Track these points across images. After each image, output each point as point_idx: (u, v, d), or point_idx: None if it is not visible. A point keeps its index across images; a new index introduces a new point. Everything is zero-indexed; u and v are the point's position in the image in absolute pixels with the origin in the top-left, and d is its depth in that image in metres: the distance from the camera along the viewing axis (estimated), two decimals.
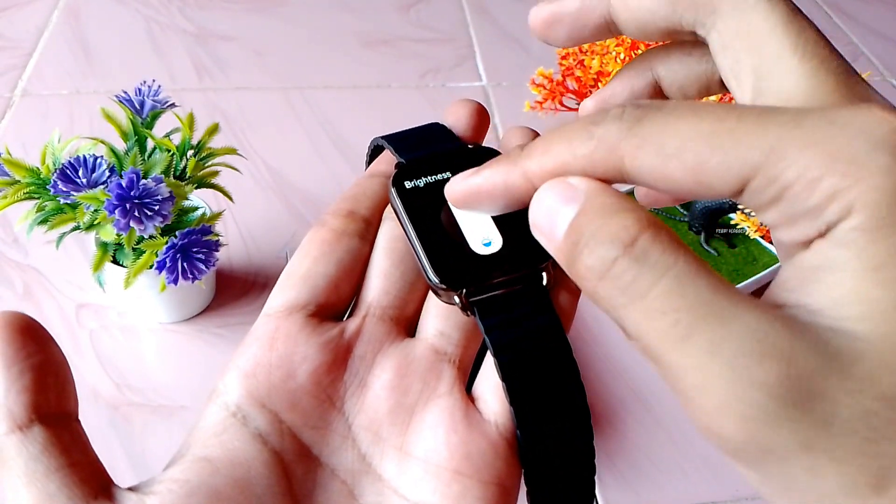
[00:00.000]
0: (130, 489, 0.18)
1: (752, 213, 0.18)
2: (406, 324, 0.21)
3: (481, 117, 0.24)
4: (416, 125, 0.24)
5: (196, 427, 0.20)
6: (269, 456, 0.19)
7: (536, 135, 0.22)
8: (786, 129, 0.14)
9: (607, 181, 0.16)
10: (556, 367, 0.20)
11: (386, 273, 0.21)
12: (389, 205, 0.22)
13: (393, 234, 0.21)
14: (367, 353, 0.20)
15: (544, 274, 0.20)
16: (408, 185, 0.21)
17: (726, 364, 0.14)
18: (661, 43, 0.22)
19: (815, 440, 0.13)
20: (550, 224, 0.16)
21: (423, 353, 0.20)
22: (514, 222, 0.21)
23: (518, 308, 0.20)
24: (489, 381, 0.20)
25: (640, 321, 0.15)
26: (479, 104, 0.24)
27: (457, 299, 0.20)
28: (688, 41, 0.21)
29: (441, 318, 0.21)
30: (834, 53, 0.18)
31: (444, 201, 0.20)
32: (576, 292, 0.21)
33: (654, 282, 0.14)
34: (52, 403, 0.18)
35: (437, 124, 0.24)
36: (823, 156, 0.14)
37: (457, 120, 0.23)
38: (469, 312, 0.20)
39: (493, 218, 0.21)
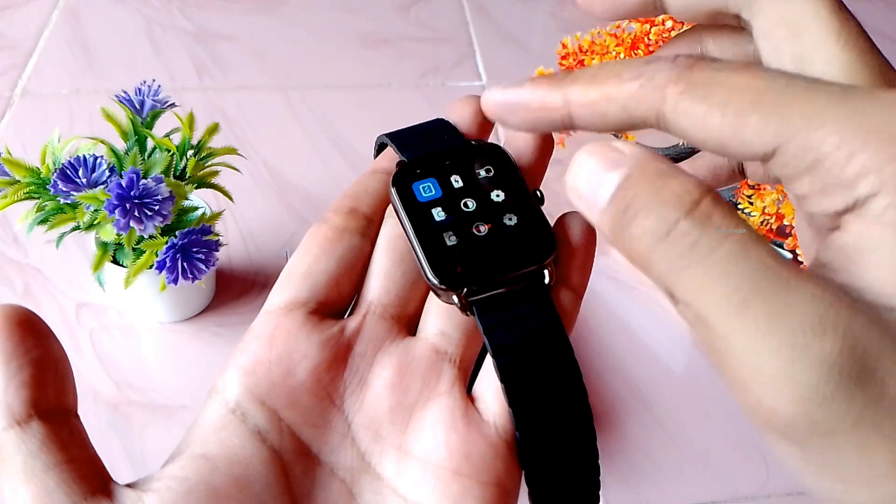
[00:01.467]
0: (129, 486, 0.18)
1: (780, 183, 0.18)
2: (407, 322, 0.21)
3: (484, 117, 0.23)
4: (421, 121, 0.24)
5: (195, 424, 0.19)
6: (268, 454, 0.19)
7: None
8: (831, 101, 0.15)
9: (638, 125, 0.16)
10: (557, 368, 0.19)
11: (387, 271, 0.21)
12: (390, 203, 0.22)
13: (394, 233, 0.21)
14: (367, 352, 0.20)
15: (546, 272, 0.20)
16: (408, 183, 0.21)
17: (786, 337, 0.13)
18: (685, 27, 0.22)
19: (867, 416, 0.13)
20: (593, 189, 0.16)
21: (423, 352, 0.20)
22: (516, 216, 0.21)
23: (518, 307, 0.20)
24: (489, 381, 0.20)
25: (698, 286, 0.14)
26: (478, 101, 0.23)
27: (455, 299, 0.20)
28: (729, 25, 0.20)
29: (442, 318, 0.21)
30: (874, 47, 0.18)
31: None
32: (579, 291, 0.21)
33: (717, 245, 0.14)
34: (52, 399, 0.18)
35: (441, 120, 0.24)
36: (863, 131, 0.14)
37: (461, 117, 0.23)
38: (468, 312, 0.20)
39: (495, 210, 0.21)
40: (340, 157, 0.67)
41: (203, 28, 0.80)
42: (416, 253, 0.20)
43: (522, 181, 0.21)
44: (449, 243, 0.20)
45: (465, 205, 0.21)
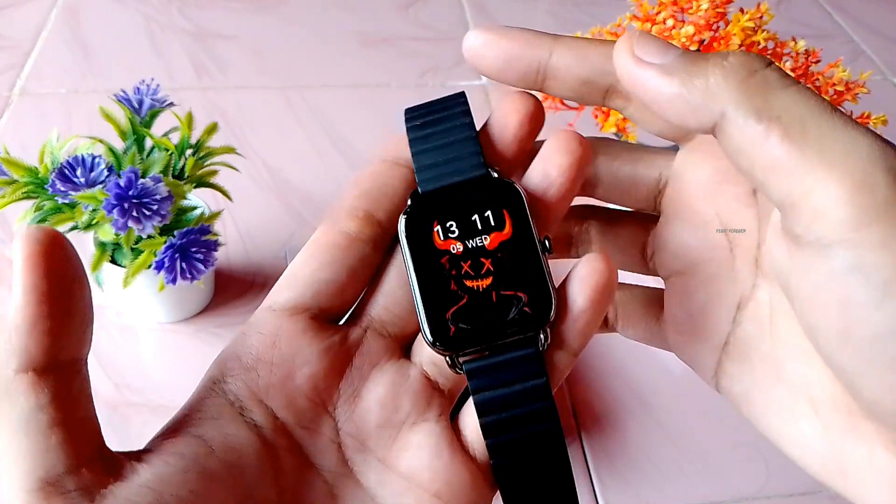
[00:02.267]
0: (123, 454, 0.18)
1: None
2: (403, 342, 0.21)
3: (535, 123, 0.22)
4: (442, 102, 0.22)
5: (192, 404, 0.20)
6: (262, 447, 0.19)
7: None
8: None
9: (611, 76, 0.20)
10: (540, 431, 0.20)
11: (392, 292, 0.21)
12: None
13: None
14: (364, 366, 0.20)
15: (542, 335, 0.20)
16: (418, 223, 0.21)
17: (837, 160, 0.16)
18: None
19: None
20: (663, 49, 0.18)
21: (417, 376, 0.21)
22: (520, 272, 0.20)
23: (508, 371, 0.20)
24: (475, 416, 0.20)
25: (785, 102, 0.17)
26: (537, 103, 0.22)
27: (448, 359, 0.20)
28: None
29: None
30: None
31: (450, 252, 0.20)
32: (576, 352, 0.21)
33: (791, 83, 0.17)
34: (71, 350, 0.17)
35: (463, 113, 0.22)
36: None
37: (504, 126, 0.22)
38: (458, 371, 0.20)
39: (499, 263, 0.20)
40: (340, 156, 0.67)
41: (202, 27, 0.80)
42: (416, 302, 0.20)
43: (531, 230, 0.21)
44: (447, 300, 0.20)
45: (471, 255, 0.20)
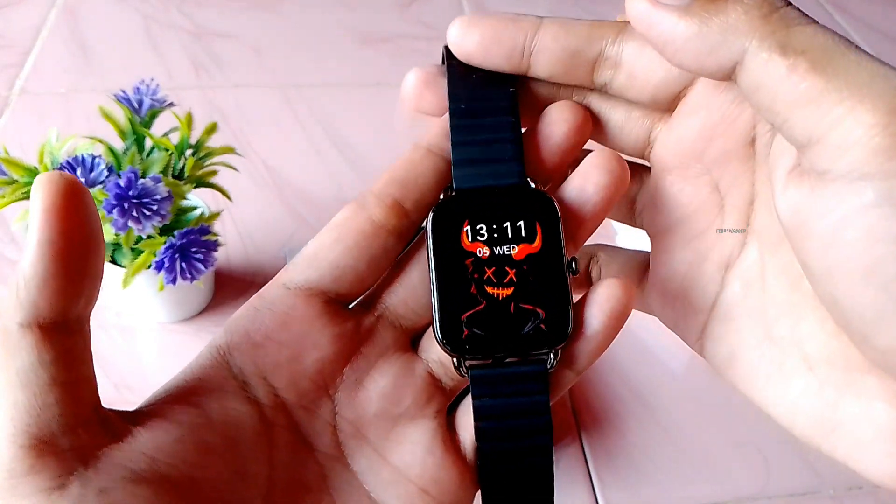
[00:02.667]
0: (120, 415, 0.18)
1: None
2: (413, 335, 0.21)
3: (581, 135, 0.21)
4: (490, 88, 0.21)
5: (193, 371, 0.20)
6: (260, 423, 0.19)
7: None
8: None
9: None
10: (533, 443, 0.20)
11: (412, 286, 0.21)
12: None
13: None
14: (371, 355, 0.21)
15: (552, 355, 0.20)
16: (448, 220, 0.20)
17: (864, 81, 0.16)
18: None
19: None
20: None
21: (421, 373, 0.21)
22: (542, 287, 0.20)
23: (512, 383, 0.20)
24: (471, 417, 0.20)
25: (802, 38, 0.16)
26: (585, 115, 0.21)
27: (455, 360, 0.20)
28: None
29: None
30: None
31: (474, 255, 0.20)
32: (581, 372, 0.21)
33: (810, 21, 0.17)
34: (80, 309, 0.17)
35: (510, 111, 0.21)
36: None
37: (549, 135, 0.21)
38: (463, 373, 0.20)
39: (522, 276, 0.20)
40: (339, 156, 0.67)
41: (201, 26, 0.80)
42: (433, 297, 0.20)
43: (561, 248, 0.20)
44: (465, 302, 0.20)
45: (496, 262, 0.20)
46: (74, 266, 0.16)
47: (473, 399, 0.20)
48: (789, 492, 0.47)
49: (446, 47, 0.22)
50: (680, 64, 0.18)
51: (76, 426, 0.17)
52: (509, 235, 0.20)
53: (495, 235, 0.20)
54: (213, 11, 0.82)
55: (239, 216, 0.60)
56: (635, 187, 0.23)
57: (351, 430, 0.20)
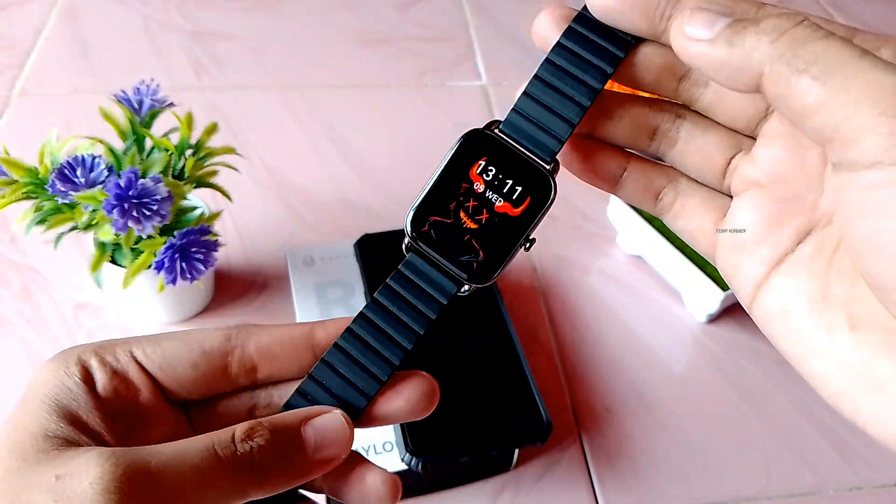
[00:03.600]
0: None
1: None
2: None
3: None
4: (588, 62, 0.24)
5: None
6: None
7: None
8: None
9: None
10: (395, 334, 0.25)
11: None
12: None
13: None
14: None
15: (467, 287, 0.25)
16: (472, 148, 0.24)
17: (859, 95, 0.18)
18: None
19: None
20: (710, 21, 0.21)
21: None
22: (492, 243, 0.24)
23: (426, 280, 0.25)
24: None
25: (819, 51, 0.19)
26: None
27: (407, 239, 0.24)
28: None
29: None
30: None
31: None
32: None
33: (825, 34, 0.19)
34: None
35: (589, 95, 0.24)
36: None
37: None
38: (405, 252, 0.25)
39: (486, 226, 0.24)
40: (339, 156, 0.67)
41: (201, 27, 0.80)
42: (425, 187, 0.24)
43: (529, 225, 0.24)
44: (440, 209, 0.24)
45: (481, 200, 0.24)
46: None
47: (389, 279, 0.24)
48: (789, 492, 0.47)
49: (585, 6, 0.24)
50: (719, 83, 0.21)
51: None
52: (504, 190, 0.24)
53: (495, 183, 0.24)
54: (213, 12, 0.82)
55: (239, 216, 0.60)
56: (731, 149, 0.25)
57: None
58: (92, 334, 0.52)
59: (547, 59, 0.24)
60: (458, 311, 0.48)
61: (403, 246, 0.25)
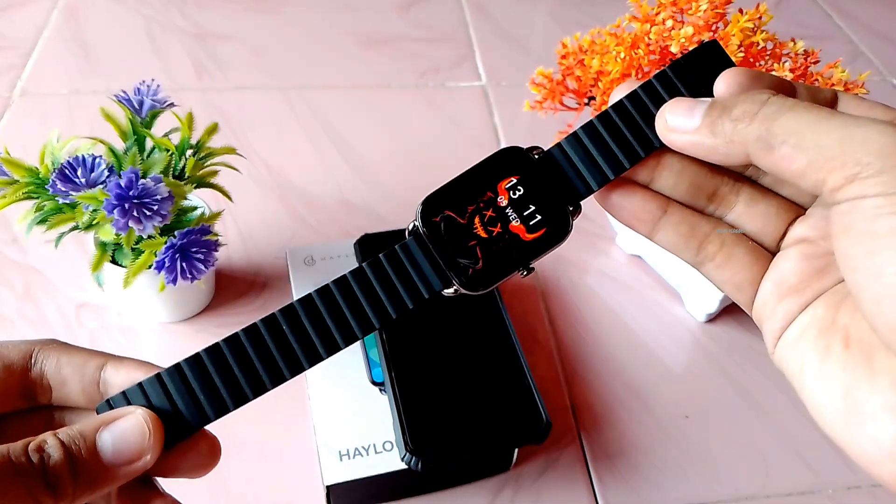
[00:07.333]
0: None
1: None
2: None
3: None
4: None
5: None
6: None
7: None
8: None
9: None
10: (370, 307, 0.25)
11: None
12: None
13: None
14: None
15: (452, 289, 0.25)
16: (507, 162, 0.25)
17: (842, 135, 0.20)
18: None
19: None
20: (689, 111, 0.23)
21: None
22: (494, 259, 0.25)
23: (415, 269, 0.25)
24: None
25: (791, 125, 0.21)
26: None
27: (416, 221, 0.25)
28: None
29: None
30: None
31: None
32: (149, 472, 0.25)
33: (793, 104, 0.21)
34: None
35: (635, 154, 0.25)
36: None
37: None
38: (407, 235, 0.25)
39: (493, 242, 0.25)
40: (340, 156, 0.67)
41: (202, 27, 0.80)
42: (451, 180, 0.25)
43: (536, 255, 0.25)
44: (457, 207, 0.25)
45: (498, 214, 0.25)
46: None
47: (381, 253, 0.25)
48: (788, 491, 0.47)
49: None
50: (716, 163, 0.24)
51: None
52: (524, 213, 0.25)
53: (518, 203, 0.25)
54: (214, 13, 0.82)
55: (240, 216, 0.60)
56: (789, 216, 0.26)
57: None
58: (94, 334, 0.52)
59: (620, 101, 0.25)
60: (458, 310, 0.48)
61: (407, 230, 0.25)
